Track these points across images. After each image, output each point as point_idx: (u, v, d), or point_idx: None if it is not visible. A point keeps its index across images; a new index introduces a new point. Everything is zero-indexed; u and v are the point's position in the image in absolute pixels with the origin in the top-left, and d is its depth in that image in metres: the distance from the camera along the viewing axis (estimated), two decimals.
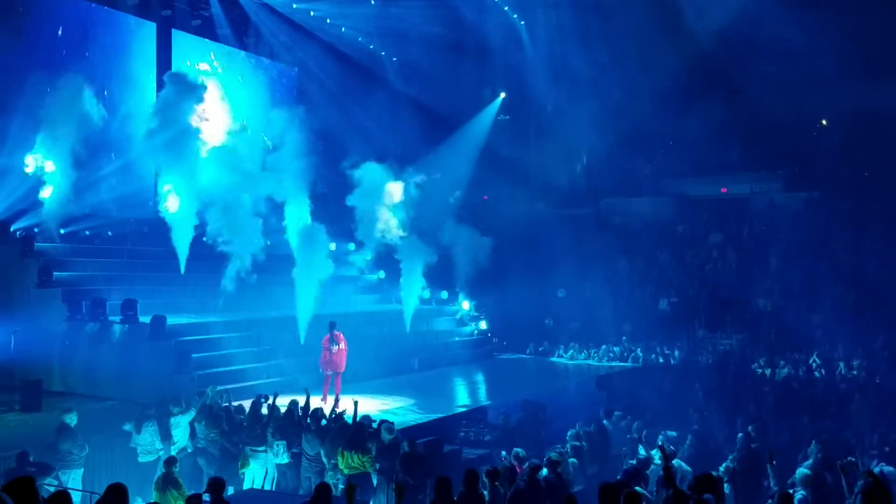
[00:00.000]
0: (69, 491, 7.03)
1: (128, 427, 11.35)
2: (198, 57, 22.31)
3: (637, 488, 8.11)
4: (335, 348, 14.32)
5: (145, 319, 14.70)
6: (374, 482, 10.65)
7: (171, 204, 17.48)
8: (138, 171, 18.94)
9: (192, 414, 11.66)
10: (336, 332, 14.47)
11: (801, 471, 9.54)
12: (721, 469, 10.21)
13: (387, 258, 20.92)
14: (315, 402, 12.36)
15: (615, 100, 28.64)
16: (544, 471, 9.22)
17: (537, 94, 29.26)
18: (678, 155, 28.98)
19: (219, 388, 12.52)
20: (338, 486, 10.21)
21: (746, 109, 25.99)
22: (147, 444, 11.22)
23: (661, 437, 12.12)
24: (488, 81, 28.96)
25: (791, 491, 8.67)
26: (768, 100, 26.26)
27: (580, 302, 25.27)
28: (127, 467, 11.13)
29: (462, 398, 15.86)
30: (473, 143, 28.15)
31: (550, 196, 29.80)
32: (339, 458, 10.52)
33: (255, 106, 23.06)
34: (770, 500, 8.36)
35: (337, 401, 14.07)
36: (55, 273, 15.78)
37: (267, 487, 11.25)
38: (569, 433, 11.97)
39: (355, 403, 11.52)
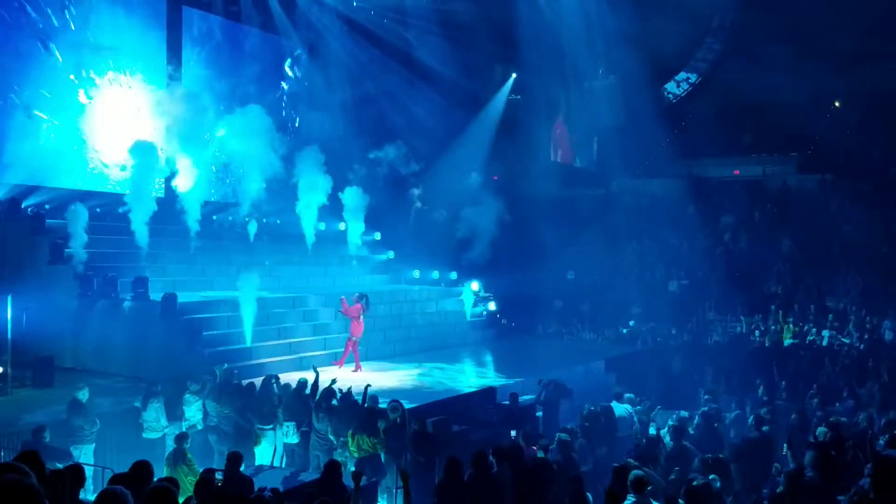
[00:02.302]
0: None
1: (137, 403, 11.43)
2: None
3: (646, 469, 8.11)
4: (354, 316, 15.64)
5: (156, 297, 14.76)
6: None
7: (181, 182, 17.50)
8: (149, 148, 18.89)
9: (205, 394, 11.72)
10: (358, 304, 15.67)
11: (810, 453, 9.52)
12: (727, 451, 10.21)
13: None
14: (328, 377, 12.37)
15: (627, 80, 28.49)
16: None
17: (550, 74, 29.09)
18: (691, 136, 28.78)
19: (226, 366, 12.55)
20: (347, 465, 10.27)
21: (760, 91, 25.75)
22: (152, 421, 11.26)
23: (672, 418, 12.12)
24: (500, 59, 28.71)
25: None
26: (782, 81, 26.05)
27: (590, 283, 25.23)
28: (138, 443, 11.21)
29: (471, 378, 15.89)
30: (488, 125, 28.00)
31: (562, 176, 29.65)
32: (350, 441, 10.56)
33: (265, 82, 22.95)
34: (779, 477, 8.34)
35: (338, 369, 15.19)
36: (66, 250, 15.84)
37: (276, 465, 11.33)
38: (579, 414, 12.01)
39: (367, 386, 11.56)
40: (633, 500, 6.91)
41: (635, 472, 7.35)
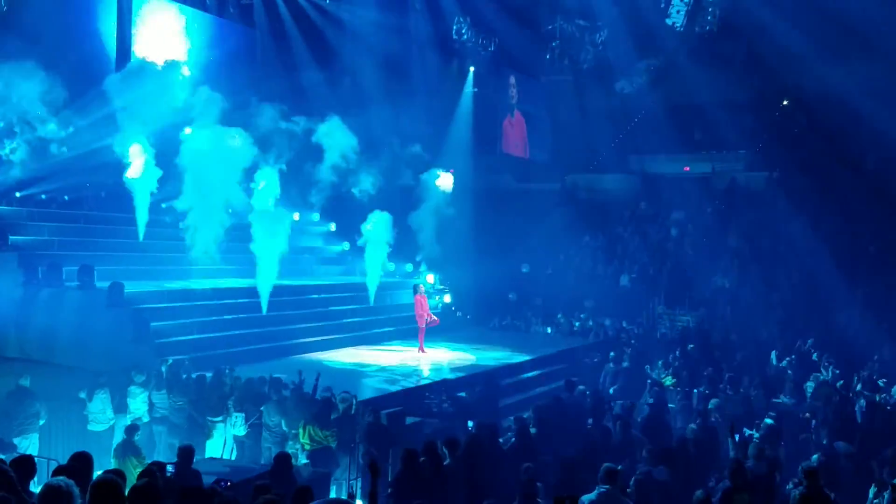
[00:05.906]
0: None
1: (83, 395, 11.20)
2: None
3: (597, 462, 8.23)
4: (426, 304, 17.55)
5: (103, 286, 14.44)
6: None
7: (132, 169, 17.14)
8: (97, 134, 18.44)
9: (150, 386, 11.54)
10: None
11: (755, 444, 9.77)
12: (676, 441, 10.41)
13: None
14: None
15: (581, 76, 28.77)
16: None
17: (505, 68, 29.24)
18: (643, 133, 29.18)
19: (171, 360, 12.37)
20: (298, 457, 10.22)
21: (709, 89, 26.18)
22: (98, 412, 11.08)
23: (619, 408, 12.31)
24: (456, 54, 28.73)
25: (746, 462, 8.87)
26: (731, 79, 26.56)
27: (544, 277, 25.44)
28: (84, 435, 11.00)
29: (425, 371, 15.91)
30: (458, 118, 28.04)
31: (517, 170, 29.83)
32: (301, 432, 10.50)
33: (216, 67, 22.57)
34: (727, 471, 8.54)
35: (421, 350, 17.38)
36: (11, 237, 15.43)
37: (226, 457, 11.21)
38: (532, 406, 12.10)
39: (317, 375, 11.52)
40: (604, 490, 7.00)
41: (607, 464, 7.45)
